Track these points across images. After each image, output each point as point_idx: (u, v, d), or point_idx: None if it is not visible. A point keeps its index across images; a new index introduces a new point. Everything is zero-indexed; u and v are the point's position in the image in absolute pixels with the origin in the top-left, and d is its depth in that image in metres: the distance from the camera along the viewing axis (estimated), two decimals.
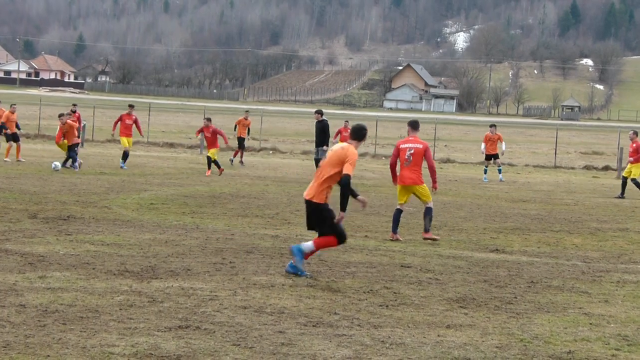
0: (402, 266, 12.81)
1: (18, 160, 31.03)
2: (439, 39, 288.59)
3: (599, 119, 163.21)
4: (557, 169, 44.65)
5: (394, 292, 10.83)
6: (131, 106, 31.89)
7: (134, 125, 31.00)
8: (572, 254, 14.95)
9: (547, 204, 24.38)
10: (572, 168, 45.21)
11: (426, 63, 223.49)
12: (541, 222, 19.69)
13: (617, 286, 12.05)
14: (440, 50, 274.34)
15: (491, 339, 8.68)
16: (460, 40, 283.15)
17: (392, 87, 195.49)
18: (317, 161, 28.92)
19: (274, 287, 10.81)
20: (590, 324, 9.60)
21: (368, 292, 10.80)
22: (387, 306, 10.02)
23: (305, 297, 10.27)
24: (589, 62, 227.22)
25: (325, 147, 29.72)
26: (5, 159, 30.85)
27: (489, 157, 33.93)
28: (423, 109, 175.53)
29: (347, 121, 40.00)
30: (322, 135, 28.74)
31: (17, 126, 32.90)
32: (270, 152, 47.57)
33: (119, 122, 31.22)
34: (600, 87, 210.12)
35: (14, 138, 32.00)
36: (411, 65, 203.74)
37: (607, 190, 31.21)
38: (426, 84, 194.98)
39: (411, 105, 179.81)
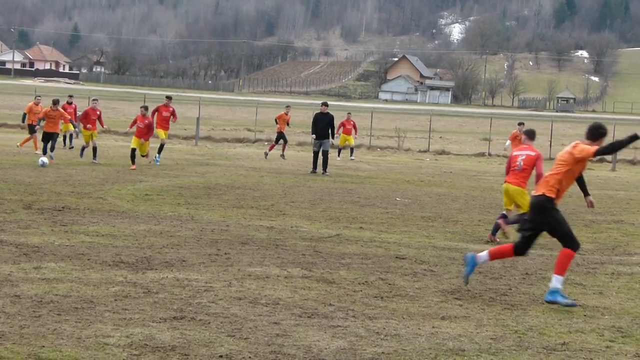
0: (397, 258, 12.82)
1: (17, 145, 31.01)
2: (434, 31, 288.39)
3: (594, 111, 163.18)
4: (552, 160, 44.69)
5: (389, 284, 10.84)
6: (169, 97, 30.46)
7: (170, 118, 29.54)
8: None
9: None
10: None
11: (421, 54, 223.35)
12: None
13: (612, 278, 12.08)
14: (436, 42, 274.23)
15: (486, 331, 8.70)
16: (456, 31, 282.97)
17: (388, 78, 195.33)
18: (315, 153, 28.55)
19: (269, 278, 10.82)
20: (585, 315, 9.63)
21: (363, 283, 10.81)
22: (382, 297, 10.04)
23: (300, 289, 10.28)
24: (584, 53, 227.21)
25: (332, 141, 29.64)
26: (35, 152, 30.57)
27: None
28: (418, 101, 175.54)
29: (349, 113, 39.67)
30: (328, 128, 28.48)
31: (39, 121, 32.30)
32: (266, 143, 47.51)
33: (156, 114, 29.53)
34: (596, 79, 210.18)
35: (30, 129, 31.71)
36: (406, 57, 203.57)
37: (601, 183, 31.26)
38: (421, 76, 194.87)
39: (406, 96, 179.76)
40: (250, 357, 7.41)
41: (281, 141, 35.82)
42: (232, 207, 18.11)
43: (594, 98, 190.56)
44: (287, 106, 38.15)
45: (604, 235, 16.60)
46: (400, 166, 35.46)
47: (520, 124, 33.02)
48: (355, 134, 39.22)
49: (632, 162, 44.08)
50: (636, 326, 9.23)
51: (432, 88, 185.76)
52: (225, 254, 12.40)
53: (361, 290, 10.37)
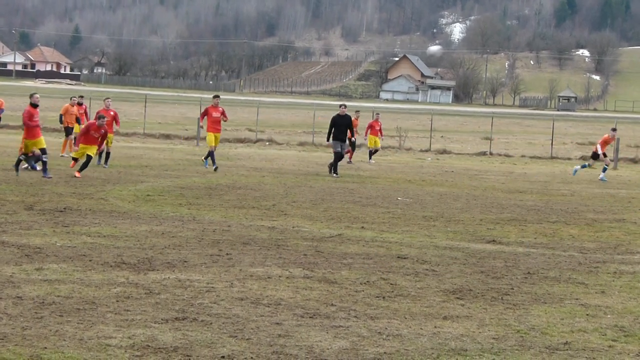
0: (398, 257, 12.81)
1: (61, 155, 29.92)
2: (435, 30, 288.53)
3: (595, 110, 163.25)
4: (554, 159, 44.65)
5: (391, 284, 10.83)
6: (216, 96, 28.50)
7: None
8: (568, 245, 14.95)
9: (543, 195, 24.39)
10: (569, 159, 45.20)
11: (422, 54, 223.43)
12: (538, 213, 19.70)
13: (614, 277, 12.06)
14: (437, 41, 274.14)
15: (488, 330, 8.69)
16: (457, 31, 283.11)
17: (389, 78, 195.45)
18: (339, 154, 27.95)
19: (271, 278, 10.81)
20: (587, 314, 9.61)
21: (365, 283, 10.80)
22: (383, 297, 10.03)
23: (302, 289, 10.27)
24: (585, 52, 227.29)
25: (348, 142, 29.51)
26: (61, 154, 30.07)
27: (596, 156, 31.91)
28: (419, 100, 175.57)
29: (377, 114, 39.35)
30: (346, 130, 28.11)
31: (78, 120, 30.90)
32: (267, 143, 47.52)
33: (206, 116, 27.77)
34: (597, 77, 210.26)
35: (67, 132, 30.88)
36: (407, 56, 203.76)
37: (603, 181, 31.20)
38: (422, 75, 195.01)
39: (407, 96, 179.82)
40: (252, 358, 7.41)
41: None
42: (234, 208, 18.10)
43: (595, 97, 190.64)
44: (357, 111, 37.58)
45: (606, 234, 16.57)
46: (401, 166, 35.45)
47: (613, 129, 32.54)
48: (381, 135, 38.47)
49: (634, 161, 44.05)
50: (639, 325, 9.22)
51: (433, 87, 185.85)
52: (227, 254, 12.40)
53: (363, 290, 10.36)
